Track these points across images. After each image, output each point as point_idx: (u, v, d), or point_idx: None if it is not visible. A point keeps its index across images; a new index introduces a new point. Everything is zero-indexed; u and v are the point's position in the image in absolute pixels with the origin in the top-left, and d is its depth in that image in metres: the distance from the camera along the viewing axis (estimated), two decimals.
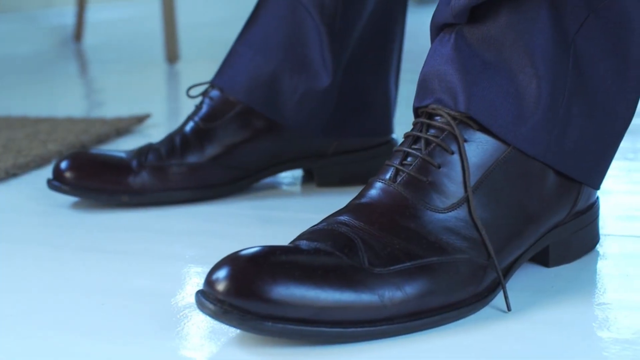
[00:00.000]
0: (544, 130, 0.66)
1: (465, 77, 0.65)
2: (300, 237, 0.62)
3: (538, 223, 0.67)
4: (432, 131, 0.65)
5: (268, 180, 1.02)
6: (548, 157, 0.66)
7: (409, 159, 0.65)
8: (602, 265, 0.73)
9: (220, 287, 0.56)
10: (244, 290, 0.55)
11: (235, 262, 0.57)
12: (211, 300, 0.56)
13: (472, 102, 0.64)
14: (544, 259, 0.71)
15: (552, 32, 0.65)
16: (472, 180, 0.64)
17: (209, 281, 0.57)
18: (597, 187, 0.72)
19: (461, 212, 0.63)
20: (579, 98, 0.67)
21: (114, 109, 1.51)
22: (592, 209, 0.73)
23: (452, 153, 0.64)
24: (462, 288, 0.61)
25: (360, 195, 0.65)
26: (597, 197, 0.75)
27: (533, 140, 0.65)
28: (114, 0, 2.87)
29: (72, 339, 0.61)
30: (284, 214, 0.90)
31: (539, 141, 0.66)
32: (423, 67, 0.68)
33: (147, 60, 2.22)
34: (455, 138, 0.64)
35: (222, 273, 0.56)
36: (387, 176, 0.65)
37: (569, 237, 0.71)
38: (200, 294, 0.57)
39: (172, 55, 2.13)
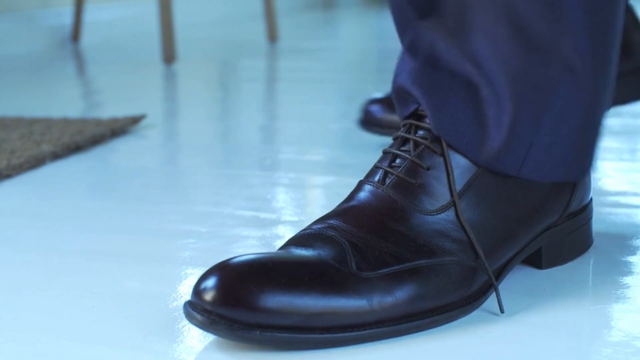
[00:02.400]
0: (510, 149, 0.65)
1: (430, 99, 0.65)
2: (288, 243, 0.62)
3: (530, 225, 0.67)
4: (420, 132, 0.65)
5: (263, 182, 1.01)
6: (522, 172, 0.65)
7: (398, 160, 0.65)
8: (595, 268, 0.73)
9: (207, 297, 0.55)
10: (230, 300, 0.55)
11: (221, 272, 0.57)
12: (199, 310, 0.56)
13: (438, 123, 0.64)
14: (536, 261, 0.71)
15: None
16: (461, 182, 0.63)
17: (196, 292, 0.56)
18: (581, 178, 0.70)
19: (450, 214, 0.63)
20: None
21: (111, 109, 1.50)
22: (585, 211, 0.73)
23: (441, 155, 0.64)
24: (453, 291, 0.61)
25: (349, 198, 0.65)
26: (591, 199, 0.75)
27: (502, 161, 0.64)
28: (112, 1, 2.86)
29: (61, 342, 0.60)
30: (278, 217, 0.89)
31: (508, 161, 0.65)
32: (394, 80, 0.68)
33: (144, 61, 2.22)
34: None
35: (208, 283, 0.56)
36: (376, 178, 0.64)
37: (562, 239, 0.71)
38: (188, 304, 0.57)
39: (169, 55, 2.13)
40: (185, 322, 0.62)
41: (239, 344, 0.58)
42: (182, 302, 0.66)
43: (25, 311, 0.66)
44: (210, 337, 0.60)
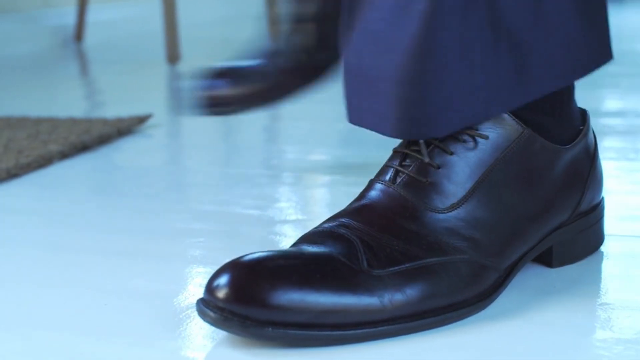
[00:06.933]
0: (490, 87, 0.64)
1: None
2: (300, 240, 0.62)
3: (540, 223, 0.67)
4: None
5: (269, 181, 1.01)
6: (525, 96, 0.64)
7: (408, 160, 0.65)
8: (604, 266, 0.73)
9: (220, 294, 0.56)
10: (243, 297, 0.56)
11: (234, 269, 0.57)
12: (211, 308, 0.56)
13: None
14: (547, 259, 0.71)
15: None
16: (472, 179, 0.64)
17: (209, 289, 0.57)
18: (610, 57, 0.69)
19: (461, 212, 0.63)
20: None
21: (115, 109, 1.51)
22: (596, 210, 0.73)
23: (452, 154, 0.64)
24: (463, 288, 0.61)
25: (361, 196, 0.65)
26: (602, 198, 0.75)
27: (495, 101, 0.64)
28: (115, 0, 2.87)
29: (74, 340, 0.60)
30: (286, 215, 0.90)
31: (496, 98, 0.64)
32: None
33: (147, 61, 2.22)
34: (454, 139, 0.64)
35: (221, 281, 0.56)
36: (387, 177, 0.65)
37: (573, 238, 0.71)
38: (200, 302, 0.58)
39: (172, 55, 2.13)
40: (197, 319, 0.62)
41: (251, 341, 0.58)
42: (193, 300, 0.66)
43: (37, 309, 0.66)
44: (221, 335, 0.60)
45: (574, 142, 0.70)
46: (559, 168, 0.68)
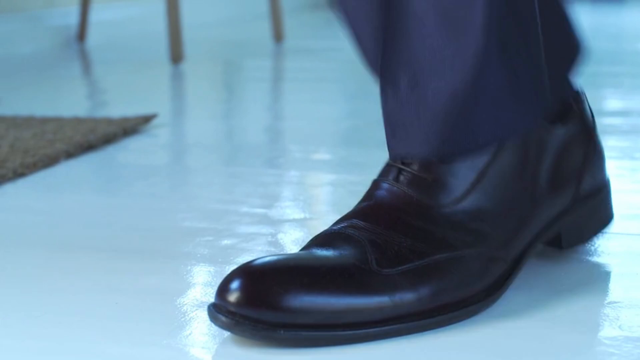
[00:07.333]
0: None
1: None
2: (310, 243, 0.63)
3: (543, 207, 0.67)
4: None
5: (275, 180, 1.02)
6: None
7: None
8: (610, 264, 0.73)
9: (231, 298, 0.56)
10: (253, 301, 0.56)
11: (245, 273, 0.58)
12: (223, 312, 0.57)
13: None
14: (556, 241, 0.71)
15: None
16: (474, 171, 0.64)
17: (220, 294, 0.57)
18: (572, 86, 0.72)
19: (465, 205, 0.63)
20: None
21: (118, 109, 1.51)
22: (600, 193, 0.73)
23: None
24: (473, 283, 0.61)
25: (366, 197, 0.66)
26: (608, 180, 0.75)
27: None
28: (118, 0, 2.87)
29: (86, 339, 0.61)
30: (293, 214, 0.90)
31: None
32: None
33: (151, 61, 2.23)
34: None
35: (232, 285, 0.57)
36: (391, 176, 0.65)
37: (579, 220, 0.71)
38: (212, 307, 0.58)
39: (176, 55, 2.13)
40: (205, 318, 0.62)
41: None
42: (202, 299, 0.67)
43: (48, 308, 0.66)
44: (229, 334, 0.60)
45: (566, 120, 0.70)
46: (553, 147, 0.68)
